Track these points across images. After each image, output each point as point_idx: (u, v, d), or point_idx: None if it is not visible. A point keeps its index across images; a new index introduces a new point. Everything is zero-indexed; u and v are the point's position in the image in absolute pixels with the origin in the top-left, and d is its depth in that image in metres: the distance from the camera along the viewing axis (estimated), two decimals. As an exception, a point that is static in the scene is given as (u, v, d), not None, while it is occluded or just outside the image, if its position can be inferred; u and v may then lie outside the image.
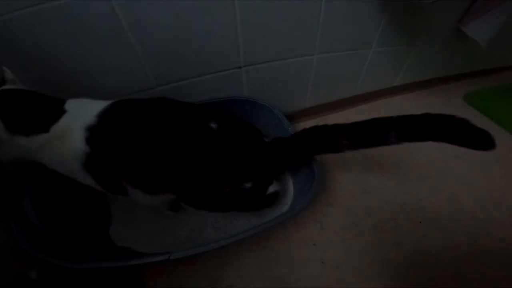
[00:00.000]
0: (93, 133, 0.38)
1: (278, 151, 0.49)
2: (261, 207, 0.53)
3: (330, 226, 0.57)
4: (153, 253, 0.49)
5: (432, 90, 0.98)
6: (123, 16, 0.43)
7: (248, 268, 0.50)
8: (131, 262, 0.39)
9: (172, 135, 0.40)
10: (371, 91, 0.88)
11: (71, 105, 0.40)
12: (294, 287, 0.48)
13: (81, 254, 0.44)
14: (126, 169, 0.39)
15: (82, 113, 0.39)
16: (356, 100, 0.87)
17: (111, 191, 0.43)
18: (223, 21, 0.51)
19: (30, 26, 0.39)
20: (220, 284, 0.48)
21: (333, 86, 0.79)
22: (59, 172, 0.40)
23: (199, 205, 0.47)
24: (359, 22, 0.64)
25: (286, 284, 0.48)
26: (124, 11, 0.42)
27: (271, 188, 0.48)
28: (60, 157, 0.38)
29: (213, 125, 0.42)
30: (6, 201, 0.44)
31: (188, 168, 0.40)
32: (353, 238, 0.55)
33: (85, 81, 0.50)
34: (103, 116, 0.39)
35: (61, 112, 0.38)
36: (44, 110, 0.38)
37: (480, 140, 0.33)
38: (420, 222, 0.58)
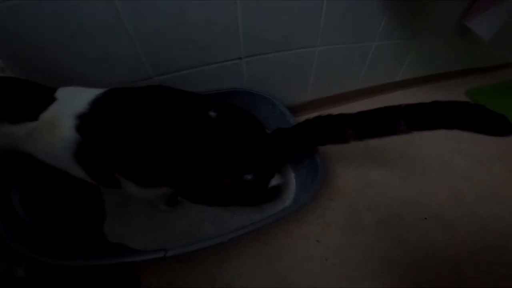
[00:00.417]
0: (84, 121, 0.35)
1: (280, 141, 0.47)
2: (262, 202, 0.51)
3: (333, 222, 0.55)
4: (148, 250, 0.47)
5: (433, 86, 0.98)
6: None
7: (248, 265, 0.49)
8: (124, 259, 0.37)
9: (168, 123, 0.37)
10: (372, 85, 0.87)
11: (62, 93, 0.38)
12: (296, 285, 0.46)
13: (71, 251, 0.41)
14: (119, 159, 0.37)
15: (73, 100, 0.37)
16: (357, 95, 0.85)
17: (103, 184, 0.41)
18: (223, 9, 0.49)
19: (21, 13, 0.37)
20: (218, 282, 0.46)
21: (334, 80, 0.77)
22: (49, 163, 0.38)
23: (197, 198, 0.44)
24: (363, 14, 0.62)
25: (287, 282, 0.47)
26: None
27: (273, 182, 0.46)
28: (49, 146, 0.36)
29: (212, 114, 0.40)
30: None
31: (185, 159, 0.38)
32: (357, 234, 0.54)
33: (77, 70, 0.47)
34: (95, 103, 0.37)
35: (51, 100, 0.36)
36: (32, 98, 0.36)
37: (496, 126, 0.32)
38: (426, 219, 0.56)
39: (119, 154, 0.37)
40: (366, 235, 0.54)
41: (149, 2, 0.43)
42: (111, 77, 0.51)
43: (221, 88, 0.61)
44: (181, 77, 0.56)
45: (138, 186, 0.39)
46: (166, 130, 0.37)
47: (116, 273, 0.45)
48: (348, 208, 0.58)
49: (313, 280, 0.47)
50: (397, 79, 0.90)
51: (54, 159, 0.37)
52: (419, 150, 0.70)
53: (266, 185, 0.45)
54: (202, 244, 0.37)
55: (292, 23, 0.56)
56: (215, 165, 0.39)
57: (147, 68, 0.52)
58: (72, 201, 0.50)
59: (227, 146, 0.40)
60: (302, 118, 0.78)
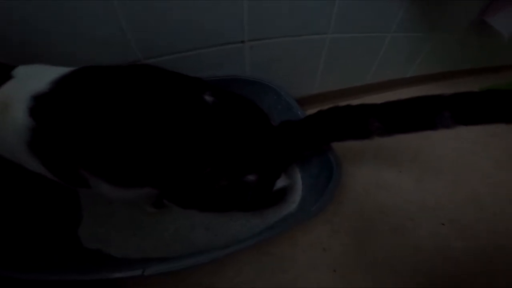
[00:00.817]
0: (40, 103, 0.28)
1: (289, 135, 0.40)
2: (265, 206, 0.44)
3: (341, 228, 0.49)
4: (129, 258, 0.41)
5: (444, 84, 0.93)
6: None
7: (245, 275, 0.42)
8: (94, 276, 0.30)
9: (151, 109, 0.30)
10: (381, 81, 0.81)
11: (22, 70, 0.30)
12: (300, 300, 0.41)
13: (35, 262, 0.34)
14: (85, 152, 0.29)
15: (32, 79, 0.30)
16: (365, 90, 0.80)
17: (68, 182, 0.33)
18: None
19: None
20: (212, 295, 0.40)
21: (344, 72, 0.71)
22: (2, 155, 0.30)
23: (186, 203, 0.37)
24: (380, 2, 0.56)
25: (291, 296, 0.41)
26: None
27: (279, 183, 0.39)
28: (0, 132, 0.28)
29: (208, 98, 0.33)
30: None
31: (172, 153, 0.31)
32: (368, 241, 0.48)
33: (52, 49, 0.40)
34: (59, 83, 0.29)
35: (6, 78, 0.29)
36: None
37: None
38: (443, 224, 0.51)
39: (86, 145, 0.29)
40: (378, 242, 0.48)
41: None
42: (91, 58, 0.43)
43: (219, 75, 0.53)
44: (174, 61, 0.49)
45: (111, 186, 0.31)
46: (148, 117, 0.30)
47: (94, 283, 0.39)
48: (359, 212, 0.52)
49: (320, 294, 0.41)
50: (408, 75, 0.85)
51: (7, 149, 0.30)
52: (434, 150, 0.65)
53: (271, 187, 0.39)
54: (189, 261, 0.31)
55: (303, 5, 0.50)
56: (209, 161, 0.32)
57: (134, 49, 0.45)
58: (40, 196, 0.42)
59: (225, 138, 0.33)
60: (307, 112, 0.72)
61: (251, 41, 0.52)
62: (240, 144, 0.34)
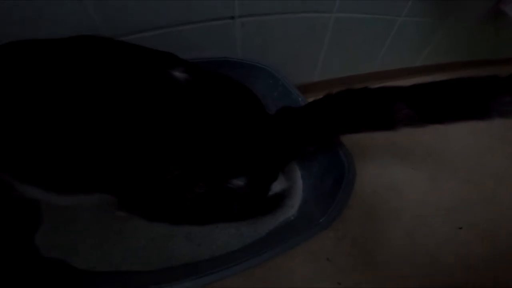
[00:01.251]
0: None
1: (288, 126, 0.32)
2: (258, 215, 0.36)
3: (347, 235, 0.43)
4: (96, 271, 0.34)
5: (453, 75, 0.86)
6: None
7: (236, 290, 0.36)
8: None
9: (92, 89, 0.23)
10: (389, 69, 0.74)
11: None
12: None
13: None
14: (3, 148, 0.22)
15: None
16: (370, 79, 0.73)
17: None
18: None
19: None
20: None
21: (350, 58, 0.64)
22: None
23: (151, 214, 0.30)
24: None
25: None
26: None
27: (276, 187, 0.32)
28: None
29: (179, 75, 0.25)
30: None
31: (122, 149, 0.23)
32: (377, 249, 0.42)
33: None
34: None
35: None
36: None
37: None
38: (461, 228, 0.45)
39: (8, 144, 0.22)
40: (387, 251, 0.42)
41: None
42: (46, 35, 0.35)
43: (204, 57, 0.45)
44: (150, 40, 0.41)
45: (45, 192, 0.24)
46: (88, 99, 0.22)
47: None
48: (366, 217, 0.46)
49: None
50: (417, 64, 0.79)
51: None
52: (448, 147, 0.59)
53: (266, 193, 0.31)
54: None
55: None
56: (177, 161, 0.25)
57: (97, 25, 0.37)
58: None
59: (201, 129, 0.25)
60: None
61: (243, 17, 0.45)
62: (223, 136, 0.26)
